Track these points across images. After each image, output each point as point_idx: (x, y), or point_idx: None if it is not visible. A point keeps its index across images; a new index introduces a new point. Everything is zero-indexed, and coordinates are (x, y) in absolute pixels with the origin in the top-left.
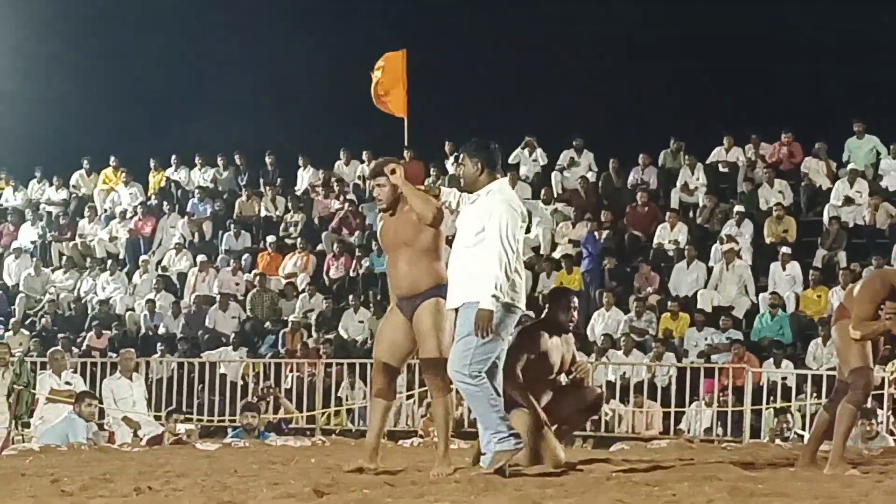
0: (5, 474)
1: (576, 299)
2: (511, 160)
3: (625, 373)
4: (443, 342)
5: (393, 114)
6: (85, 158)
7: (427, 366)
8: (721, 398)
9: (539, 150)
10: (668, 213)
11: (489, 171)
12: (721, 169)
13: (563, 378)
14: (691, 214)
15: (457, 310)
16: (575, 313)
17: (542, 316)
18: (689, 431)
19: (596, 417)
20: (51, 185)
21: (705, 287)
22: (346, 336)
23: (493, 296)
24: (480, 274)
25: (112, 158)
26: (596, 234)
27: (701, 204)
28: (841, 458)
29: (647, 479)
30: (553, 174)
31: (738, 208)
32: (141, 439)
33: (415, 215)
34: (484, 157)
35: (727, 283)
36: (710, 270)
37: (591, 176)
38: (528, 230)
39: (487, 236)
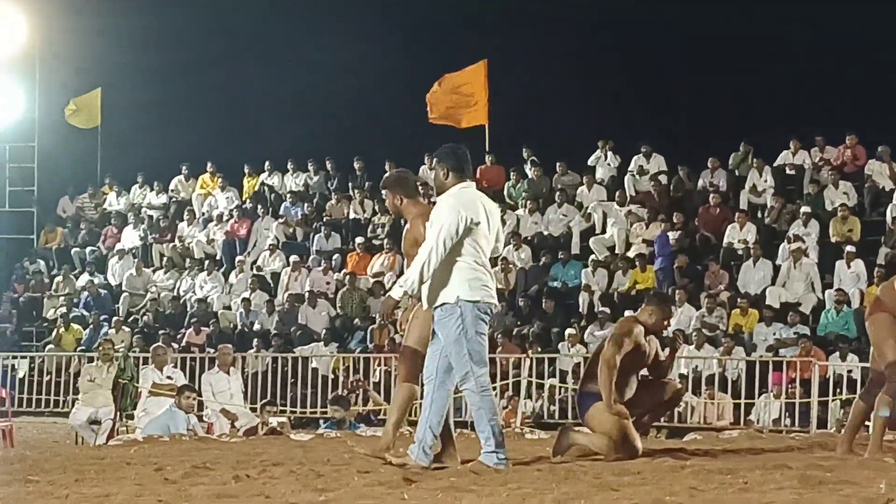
0: (112, 463)
1: (673, 308)
2: (591, 162)
3: (697, 366)
4: (424, 337)
5: (457, 125)
6: (184, 165)
7: (404, 354)
8: (789, 390)
9: (611, 154)
10: (737, 214)
11: (455, 175)
12: (788, 171)
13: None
14: (760, 215)
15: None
16: (667, 322)
17: (638, 312)
18: (758, 422)
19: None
20: (151, 189)
21: (773, 284)
22: None
23: (401, 287)
24: (443, 275)
25: (209, 164)
26: (669, 234)
27: (769, 205)
28: (879, 448)
29: (720, 468)
30: (626, 177)
31: (805, 209)
32: (238, 430)
33: (414, 232)
34: (451, 162)
35: (794, 281)
36: (777, 268)
37: (663, 179)
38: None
39: (427, 238)
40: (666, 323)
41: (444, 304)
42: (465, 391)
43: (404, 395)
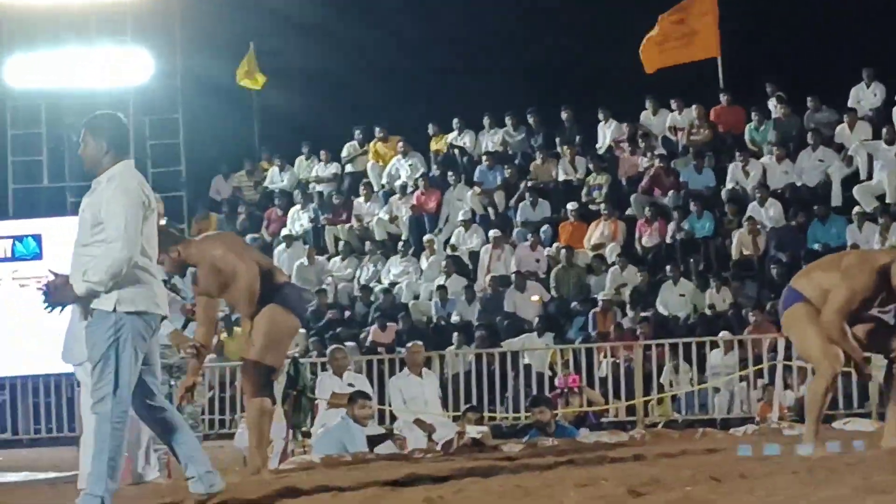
0: (284, 491)
1: None
2: (851, 96)
3: None
4: (257, 346)
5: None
6: (357, 128)
7: (245, 368)
8: None
9: (876, 83)
10: None
11: (115, 153)
12: None
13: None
14: None
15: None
16: None
17: None
18: None
19: None
20: (319, 160)
21: None
22: (665, 312)
23: (87, 282)
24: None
25: (377, 130)
26: None
27: None
28: None
29: None
30: (894, 110)
31: None
32: (437, 444)
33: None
34: (110, 136)
35: None
36: None
37: None
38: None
39: (106, 232)
40: None
41: (99, 310)
42: (96, 416)
43: (255, 413)
